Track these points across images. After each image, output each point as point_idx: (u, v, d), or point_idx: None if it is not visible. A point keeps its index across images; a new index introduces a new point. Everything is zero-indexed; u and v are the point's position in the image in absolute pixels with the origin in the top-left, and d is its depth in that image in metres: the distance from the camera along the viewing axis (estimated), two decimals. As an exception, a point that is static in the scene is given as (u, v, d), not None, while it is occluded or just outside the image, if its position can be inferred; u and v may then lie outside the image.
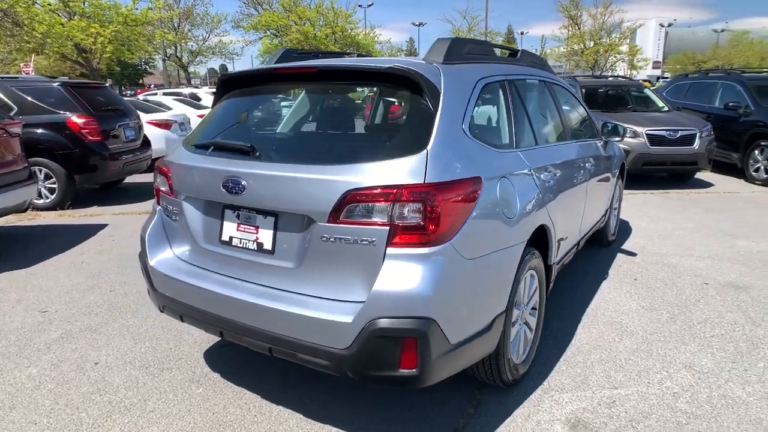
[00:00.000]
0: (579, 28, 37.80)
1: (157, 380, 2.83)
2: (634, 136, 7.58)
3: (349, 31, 36.61)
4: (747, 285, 4.10)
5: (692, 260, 4.71)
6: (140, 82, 55.23)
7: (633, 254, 4.91)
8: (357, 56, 3.34)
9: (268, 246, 2.18)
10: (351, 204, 1.93)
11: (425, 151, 1.99)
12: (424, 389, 2.61)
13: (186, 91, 19.14)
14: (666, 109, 9.01)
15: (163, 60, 34.53)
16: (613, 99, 9.46)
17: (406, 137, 2.06)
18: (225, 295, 2.21)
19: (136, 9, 20.49)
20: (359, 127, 2.41)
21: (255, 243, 2.21)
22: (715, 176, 9.00)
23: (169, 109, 12.20)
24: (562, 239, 3.13)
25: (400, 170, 1.94)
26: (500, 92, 2.70)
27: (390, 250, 1.91)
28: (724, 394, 2.65)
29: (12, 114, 6.55)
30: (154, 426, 2.44)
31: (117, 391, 2.73)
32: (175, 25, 35.76)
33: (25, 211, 5.77)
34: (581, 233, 3.78)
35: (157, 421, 2.48)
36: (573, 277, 4.24)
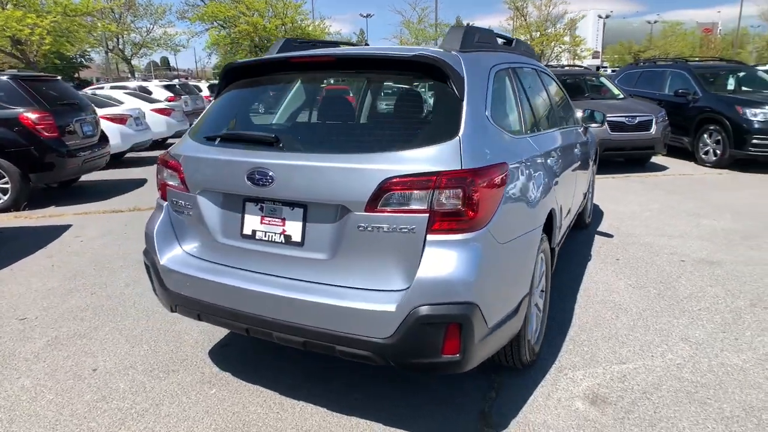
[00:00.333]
0: (525, 20, 38.73)
1: (165, 383, 2.71)
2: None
3: (299, 22, 35.99)
4: (719, 260, 4.36)
5: (665, 239, 4.97)
6: (75, 75, 52.21)
7: (610, 236, 5.12)
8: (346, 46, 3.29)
9: (296, 238, 2.12)
10: (389, 192, 1.91)
11: (458, 137, 1.99)
12: (449, 384, 2.64)
13: (132, 84, 18.30)
14: (622, 96, 9.40)
15: (106, 53, 32.74)
16: (571, 87, 9.76)
17: (436, 125, 2.05)
18: (252, 291, 2.14)
19: (76, -2, 19.37)
20: (383, 116, 2.38)
21: (282, 235, 2.15)
22: (668, 160, 9.50)
23: (121, 103, 11.61)
24: (562, 223, 3.22)
25: (436, 157, 1.93)
26: (507, 80, 2.73)
27: (430, 237, 1.91)
28: (722, 362, 2.82)
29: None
30: (173, 431, 2.35)
31: (124, 398, 2.60)
32: (117, 15, 33.94)
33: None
34: (572, 217, 3.91)
35: (175, 426, 2.38)
36: (559, 261, 4.38)
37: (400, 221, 1.92)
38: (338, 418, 2.41)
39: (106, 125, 9.14)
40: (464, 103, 2.08)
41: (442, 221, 1.90)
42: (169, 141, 13.60)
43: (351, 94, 2.66)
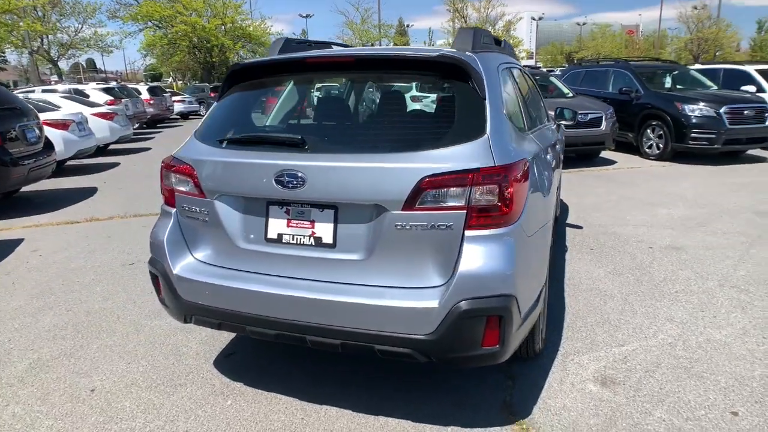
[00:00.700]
0: (465, 21, 39.75)
1: (174, 399, 2.60)
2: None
3: (240, 22, 35.17)
4: (682, 246, 4.69)
5: (630, 228, 5.27)
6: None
7: (579, 227, 5.37)
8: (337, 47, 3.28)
9: (328, 240, 2.10)
10: (427, 190, 1.93)
11: (486, 135, 2.04)
12: (452, 372, 2.70)
13: (62, 87, 17.21)
14: (571, 95, 9.86)
15: (30, 53, 30.55)
16: (523, 87, 10.14)
17: (464, 123, 2.09)
18: (283, 295, 2.09)
19: (-5, -5, 17.94)
20: (410, 115, 2.38)
21: (311, 238, 2.12)
22: (615, 154, 10.06)
23: (58, 107, 10.90)
24: (556, 216, 3.36)
25: (468, 155, 1.98)
26: (509, 79, 2.82)
27: (468, 233, 1.95)
28: (707, 338, 3.05)
29: None
30: (197, 446, 2.26)
31: (134, 416, 2.47)
32: (41, 14, 31.74)
33: None
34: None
35: (197, 441, 2.29)
36: (540, 252, 4.55)
37: (439, 218, 1.94)
38: (366, 419, 2.40)
39: (46, 131, 8.58)
40: (487, 102, 2.14)
41: (479, 217, 1.95)
42: (112, 147, 12.94)
43: (372, 94, 2.65)
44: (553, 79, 10.60)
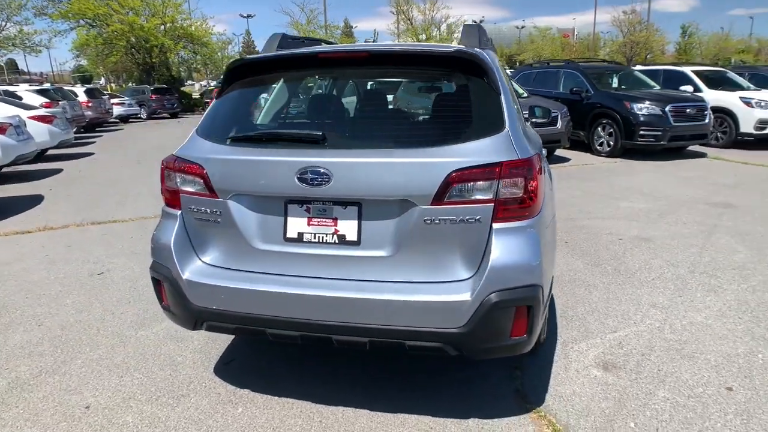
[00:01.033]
0: (411, 23, 40.24)
1: (180, 410, 2.48)
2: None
3: (180, 22, 33.91)
4: (649, 237, 4.95)
5: (598, 221, 5.52)
6: None
7: (550, 221, 5.56)
8: (326, 44, 3.24)
9: (352, 237, 2.07)
10: (456, 184, 1.94)
11: (505, 129, 2.08)
12: (462, 366, 2.73)
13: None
14: (526, 95, 10.19)
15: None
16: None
17: (483, 118, 2.12)
18: (307, 296, 2.04)
19: None
20: (430, 110, 2.37)
21: (334, 236, 2.08)
22: (568, 152, 10.49)
23: (-12, 110, 10.13)
24: None
25: (492, 149, 2.00)
26: (505, 77, 2.89)
27: (496, 225, 1.98)
28: (691, 321, 3.24)
29: None
30: (215, 457, 2.17)
31: (139, 431, 2.34)
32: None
33: None
34: None
35: (214, 452, 2.20)
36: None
37: (467, 212, 1.96)
38: (385, 417, 2.38)
39: (-17, 136, 7.97)
40: (502, 97, 2.18)
41: (505, 209, 1.98)
42: (51, 153, 12.16)
43: (386, 90, 2.62)
44: (508, 79, 10.91)
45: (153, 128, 20.20)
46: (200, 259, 2.29)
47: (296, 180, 2.02)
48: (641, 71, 11.49)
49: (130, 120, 24.25)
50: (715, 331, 3.10)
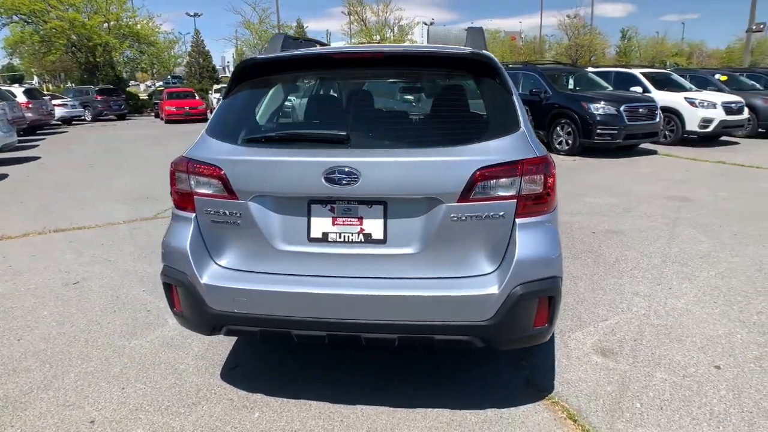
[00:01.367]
0: (365, 24, 40.29)
1: (193, 419, 2.42)
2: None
3: (126, 20, 32.54)
4: (619, 230, 5.21)
5: (569, 216, 5.75)
6: None
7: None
8: (319, 44, 3.24)
9: (378, 235, 2.09)
10: (481, 181, 2.00)
11: (521, 129, 2.16)
12: (471, 360, 2.81)
13: None
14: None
15: None
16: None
17: (499, 118, 2.19)
18: (335, 295, 2.05)
19: None
20: (449, 110, 2.40)
21: (360, 234, 2.09)
22: (529, 150, 10.82)
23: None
24: None
25: (512, 147, 2.08)
26: None
27: (519, 221, 2.05)
28: (672, 307, 3.45)
29: None
30: (240, 463, 2.13)
31: (154, 443, 2.27)
32: None
33: None
34: None
35: (239, 458, 2.16)
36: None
37: (492, 208, 2.02)
38: (405, 412, 2.42)
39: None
40: (513, 97, 2.26)
41: (526, 205, 2.06)
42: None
43: (401, 90, 2.63)
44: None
45: (101, 130, 19.30)
46: (216, 263, 2.24)
47: (323, 180, 2.02)
48: (594, 73, 12.03)
49: (74, 122, 23.04)
50: (696, 316, 3.32)
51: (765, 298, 3.54)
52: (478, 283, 2.04)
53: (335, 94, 2.58)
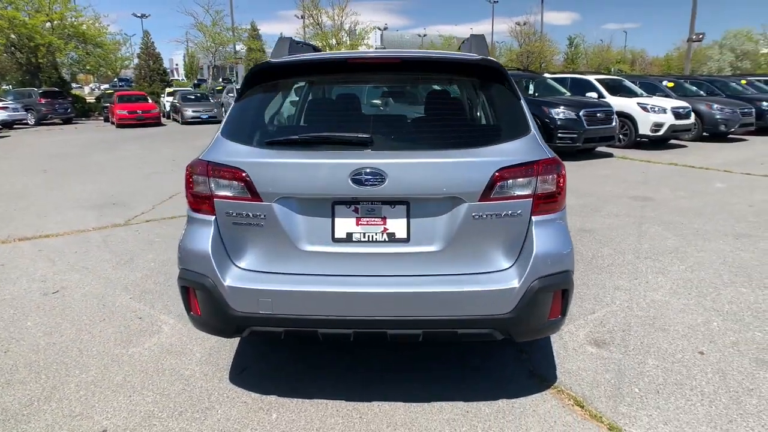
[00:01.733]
0: (321, 28, 40.19)
1: (210, 423, 2.41)
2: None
3: (71, 19, 31.13)
4: (591, 228, 5.49)
5: (543, 216, 5.98)
6: None
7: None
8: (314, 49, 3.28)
9: (401, 234, 2.15)
10: (501, 181, 2.11)
11: (532, 132, 2.29)
12: (474, 355, 2.92)
13: None
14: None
15: None
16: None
17: (511, 121, 2.30)
18: (361, 293, 2.10)
19: None
20: (459, 113, 2.47)
21: (384, 234, 2.16)
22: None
23: None
24: None
25: (525, 149, 2.20)
26: None
27: (534, 218, 2.17)
28: (653, 299, 3.68)
29: None
30: (267, 463, 2.14)
31: (174, 449, 2.24)
32: None
33: None
34: None
35: (265, 458, 2.17)
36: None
37: (510, 207, 2.14)
38: (421, 407, 2.49)
39: None
40: (522, 102, 2.39)
41: (541, 203, 2.19)
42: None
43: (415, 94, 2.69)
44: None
45: (48, 135, 18.37)
46: (236, 265, 2.25)
47: (349, 181, 2.07)
48: (552, 79, 12.52)
49: (15, 126, 21.82)
50: (674, 306, 3.56)
51: (732, 289, 3.84)
52: (499, 278, 2.14)
53: (352, 98, 2.63)
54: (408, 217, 2.16)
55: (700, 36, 25.63)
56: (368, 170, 2.06)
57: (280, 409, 2.50)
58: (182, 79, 57.47)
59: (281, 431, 2.34)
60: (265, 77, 2.40)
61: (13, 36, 28.84)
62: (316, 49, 3.24)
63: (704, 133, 12.54)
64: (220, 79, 52.53)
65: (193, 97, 24.42)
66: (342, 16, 40.83)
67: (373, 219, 2.16)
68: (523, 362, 2.89)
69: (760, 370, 2.76)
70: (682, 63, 45.54)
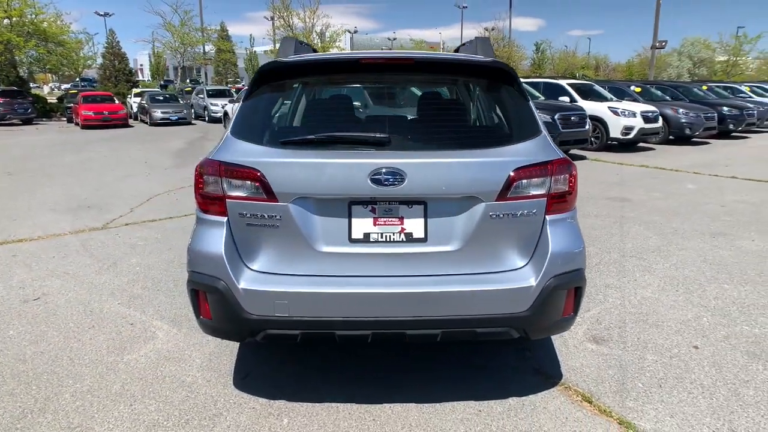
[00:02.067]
0: (292, 30, 39.86)
1: (220, 430, 2.34)
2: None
3: (31, 17, 29.98)
4: (575, 228, 5.60)
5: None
6: None
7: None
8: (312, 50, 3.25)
9: (419, 234, 2.15)
10: (518, 180, 2.13)
11: (543, 133, 2.32)
12: (478, 354, 2.94)
13: None
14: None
15: None
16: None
17: (522, 122, 2.32)
18: (378, 294, 2.08)
19: None
20: (480, 114, 2.47)
21: (401, 234, 2.15)
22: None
23: None
24: None
25: (539, 149, 2.23)
26: None
27: (548, 217, 2.20)
28: (643, 296, 3.78)
29: None
30: (284, 469, 2.10)
31: (185, 458, 2.17)
32: None
33: None
34: None
35: (281, 464, 2.13)
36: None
37: (526, 206, 2.16)
38: (434, 407, 2.49)
39: None
40: (531, 104, 2.42)
41: (554, 203, 2.21)
42: None
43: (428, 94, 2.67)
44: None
45: (8, 136, 17.59)
46: (248, 267, 2.20)
47: (369, 181, 2.05)
48: (525, 83, 12.75)
49: (-29, 127, 20.84)
50: (664, 303, 3.66)
51: (716, 285, 3.98)
52: (516, 277, 2.16)
53: (364, 98, 2.61)
54: (425, 216, 2.15)
55: (663, 43, 26.61)
56: (388, 170, 2.05)
57: (290, 413, 2.45)
58: (148, 80, 56.07)
59: (294, 436, 2.30)
60: (275, 77, 2.35)
61: (-32, 33, 27.60)
62: (314, 50, 3.21)
63: (670, 137, 13.01)
64: (188, 80, 51.43)
65: (161, 98, 23.82)
66: (314, 19, 40.64)
67: (390, 219, 2.15)
68: (527, 360, 2.93)
69: (753, 363, 2.87)
70: (643, 69, 47.19)
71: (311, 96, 2.54)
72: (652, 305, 3.62)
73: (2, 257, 4.79)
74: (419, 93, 2.82)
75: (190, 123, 22.07)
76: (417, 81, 2.74)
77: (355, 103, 2.69)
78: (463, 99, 2.66)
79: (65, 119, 25.12)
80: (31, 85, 41.96)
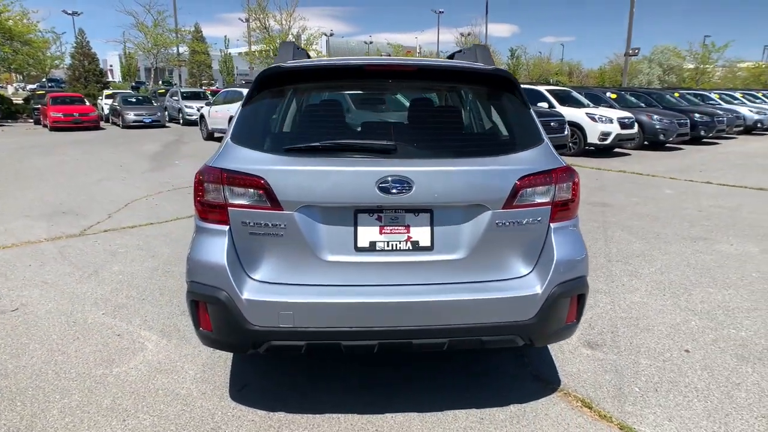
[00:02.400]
0: (269, 33, 39.56)
1: (219, 445, 2.28)
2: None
3: (-5, 15, 28.98)
4: (560, 232, 5.67)
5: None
6: None
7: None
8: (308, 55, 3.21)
9: (425, 243, 2.13)
10: (524, 188, 2.14)
11: (545, 141, 2.34)
12: (476, 362, 2.94)
13: None
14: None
15: None
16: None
17: (524, 130, 2.33)
18: (385, 303, 2.06)
19: None
20: (482, 123, 2.46)
21: (408, 242, 2.13)
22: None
23: None
24: None
25: (542, 157, 2.24)
26: None
27: (552, 225, 2.22)
28: (632, 301, 3.84)
29: None
30: (289, 484, 2.05)
31: (185, 475, 2.10)
32: None
33: None
34: None
35: (285, 479, 2.08)
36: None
37: (531, 214, 2.16)
38: (436, 416, 2.47)
39: None
40: (532, 112, 2.44)
41: (558, 210, 2.23)
42: None
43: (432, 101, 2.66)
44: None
45: (-27, 138, 16.97)
46: (251, 277, 2.14)
47: (376, 189, 2.03)
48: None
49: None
50: (653, 307, 3.73)
51: (701, 289, 4.08)
52: (521, 285, 2.16)
53: (366, 105, 2.58)
54: (432, 225, 2.14)
55: (636, 51, 27.31)
56: (395, 178, 2.03)
57: (291, 426, 2.40)
58: (119, 81, 54.78)
59: (297, 450, 2.25)
60: (276, 82, 2.31)
61: (-72, 30, 26.57)
62: (308, 55, 3.18)
63: (645, 142, 13.34)
64: (161, 82, 50.47)
65: (134, 100, 23.31)
66: (290, 21, 40.39)
67: (396, 227, 2.13)
68: (525, 366, 2.94)
69: (743, 365, 2.94)
70: (615, 75, 48.33)
71: (313, 102, 2.51)
72: (642, 309, 3.69)
73: (-25, 266, 4.59)
74: (422, 100, 2.81)
75: (164, 126, 21.63)
76: (420, 88, 2.73)
77: (357, 110, 2.67)
78: (466, 107, 2.66)
79: (32, 121, 24.36)
80: (-5, 85, 40.51)
